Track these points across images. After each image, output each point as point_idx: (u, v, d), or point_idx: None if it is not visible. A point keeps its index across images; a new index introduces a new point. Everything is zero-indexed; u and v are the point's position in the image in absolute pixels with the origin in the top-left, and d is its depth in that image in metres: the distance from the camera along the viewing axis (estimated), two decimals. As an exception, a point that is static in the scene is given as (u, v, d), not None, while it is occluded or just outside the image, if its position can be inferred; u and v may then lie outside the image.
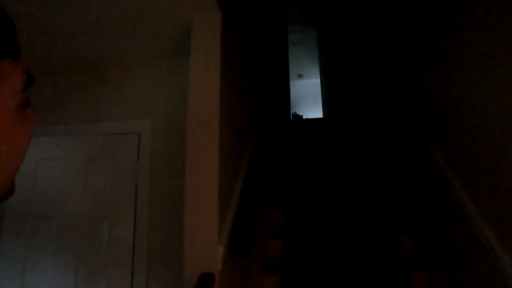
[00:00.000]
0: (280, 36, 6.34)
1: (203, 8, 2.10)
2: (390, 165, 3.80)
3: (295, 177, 3.82)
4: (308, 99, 10.93)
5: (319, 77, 9.28)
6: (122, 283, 2.34)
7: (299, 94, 10.89)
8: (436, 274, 2.48)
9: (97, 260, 2.39)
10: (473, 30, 2.02)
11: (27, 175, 2.52)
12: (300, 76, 10.70)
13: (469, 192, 2.09)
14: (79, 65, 2.80)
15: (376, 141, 4.32)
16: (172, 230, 2.41)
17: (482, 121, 1.93)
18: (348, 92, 6.23)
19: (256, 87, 3.67)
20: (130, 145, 2.59)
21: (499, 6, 1.74)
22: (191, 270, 1.75)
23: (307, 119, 5.41)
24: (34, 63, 2.70)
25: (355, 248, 2.85)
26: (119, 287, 2.34)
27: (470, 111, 2.07)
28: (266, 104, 4.38)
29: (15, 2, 1.96)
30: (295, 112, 10.46)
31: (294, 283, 2.64)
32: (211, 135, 1.91)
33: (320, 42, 7.65)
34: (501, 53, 1.73)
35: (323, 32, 7.35)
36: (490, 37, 1.83)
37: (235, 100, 2.47)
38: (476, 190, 2.03)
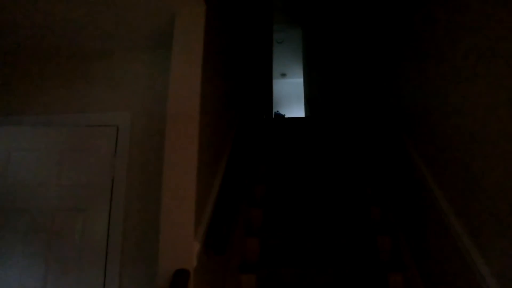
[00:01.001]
0: (264, 35, 6.33)
1: (187, 1, 2.07)
2: (370, 165, 3.84)
3: (276, 176, 3.82)
4: (291, 99, 10.96)
5: (302, 77, 9.33)
6: (94, 278, 2.30)
7: (282, 93, 10.91)
8: (412, 275, 2.52)
9: (69, 255, 2.35)
10: (445, 37, 2.05)
11: (-2, 166, 2.45)
12: (283, 75, 10.72)
13: (444, 191, 2.13)
14: (58, 54, 2.74)
15: (356, 141, 4.36)
16: (148, 226, 2.38)
17: (456, 123, 1.96)
18: (331, 92, 6.26)
19: (238, 85, 3.65)
20: (108, 137, 2.55)
21: (470, 14, 1.77)
22: (166, 266, 1.72)
23: (289, 118, 5.42)
24: (11, 51, 2.63)
25: (333, 248, 2.87)
26: (91, 283, 2.30)
27: (445, 113, 2.11)
28: (248, 102, 4.36)
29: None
30: (278, 111, 10.48)
31: (270, 281, 2.64)
32: (191, 130, 1.89)
33: (304, 41, 7.68)
34: (473, 62, 1.75)
35: (307, 31, 7.38)
36: (462, 44, 1.86)
37: (216, 96, 2.45)
38: (450, 190, 2.06)
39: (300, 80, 10.48)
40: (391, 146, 3.25)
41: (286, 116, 10.42)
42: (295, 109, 10.81)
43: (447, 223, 2.02)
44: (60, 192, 2.46)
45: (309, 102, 6.81)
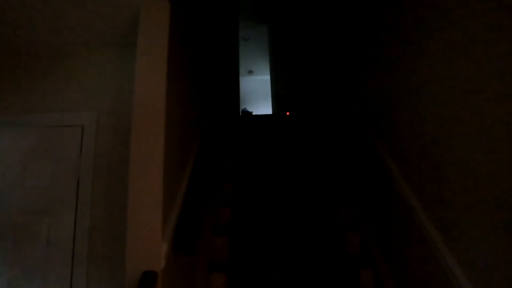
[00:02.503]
0: (231, 32, 6.32)
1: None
2: (337, 160, 3.90)
3: (244, 174, 3.83)
4: (258, 96, 10.99)
5: (269, 74, 9.36)
6: (61, 281, 2.25)
7: (249, 90, 10.92)
8: (382, 271, 2.58)
9: (34, 258, 2.29)
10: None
11: (-43, 168, 2.35)
12: (250, 72, 10.73)
13: (408, 182, 2.21)
14: (20, 54, 2.65)
15: (323, 137, 4.42)
16: (115, 227, 2.34)
17: (416, 113, 2.03)
18: (298, 89, 6.32)
19: (204, 83, 3.63)
20: (73, 138, 2.49)
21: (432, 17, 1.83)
22: (133, 268, 1.69)
23: (256, 115, 5.43)
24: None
25: (302, 245, 2.90)
26: (58, 286, 2.24)
27: (405, 106, 2.18)
28: (215, 100, 4.34)
29: None
30: (245, 108, 10.49)
31: (240, 280, 2.64)
32: (156, 130, 1.86)
33: (271, 38, 7.70)
34: (439, 59, 1.82)
35: (274, 28, 7.41)
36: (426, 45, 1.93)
37: (182, 95, 2.42)
38: (413, 181, 2.13)
39: (267, 77, 10.52)
40: (359, 142, 3.32)
41: (254, 113, 10.44)
42: (262, 106, 10.85)
43: (415, 217, 2.08)
44: (24, 194, 2.39)
45: (277, 99, 6.85)
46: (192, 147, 2.73)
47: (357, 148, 3.37)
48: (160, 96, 1.91)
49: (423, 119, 2.01)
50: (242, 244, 2.91)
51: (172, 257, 1.93)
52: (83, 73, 2.63)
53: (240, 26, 7.30)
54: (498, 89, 1.40)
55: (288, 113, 5.89)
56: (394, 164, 2.44)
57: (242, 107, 10.34)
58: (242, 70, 9.99)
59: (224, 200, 3.44)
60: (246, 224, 3.13)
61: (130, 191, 1.80)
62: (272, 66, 7.65)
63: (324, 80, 5.43)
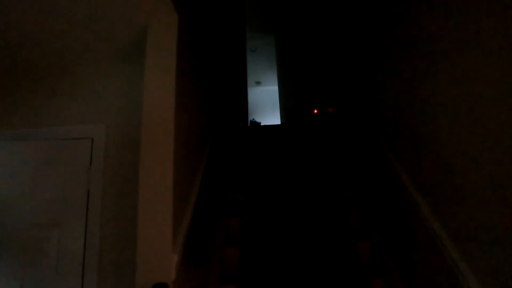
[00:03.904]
0: (238, 43, 6.35)
1: (159, 12, 2.06)
2: (349, 171, 3.87)
3: (254, 185, 3.82)
4: (266, 106, 11.01)
5: (277, 84, 9.38)
6: (71, 294, 2.24)
7: (257, 101, 10.96)
8: (394, 280, 2.54)
9: (45, 270, 2.30)
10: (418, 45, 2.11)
11: (-31, 181, 2.38)
12: (258, 83, 10.77)
13: (421, 193, 2.17)
14: (31, 68, 2.69)
15: (334, 147, 4.40)
16: (125, 239, 2.34)
17: (431, 125, 2.01)
18: (307, 99, 6.30)
19: (213, 94, 3.65)
20: (83, 150, 2.51)
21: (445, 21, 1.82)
22: (144, 280, 1.69)
23: (265, 126, 5.43)
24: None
25: (313, 255, 2.87)
26: (68, 300, 2.24)
27: (417, 116, 2.16)
28: (224, 111, 4.36)
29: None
30: (253, 119, 10.51)
31: (250, 291, 2.62)
32: (165, 141, 1.87)
33: (278, 49, 7.73)
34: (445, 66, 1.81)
35: (281, 39, 7.44)
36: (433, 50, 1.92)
37: (190, 106, 2.43)
38: (429, 192, 2.10)
39: (275, 88, 10.56)
40: (370, 152, 3.29)
41: (262, 123, 10.46)
42: (270, 117, 10.86)
43: (427, 226, 2.05)
44: (35, 206, 2.40)
45: (287, 112, 6.82)
46: (202, 159, 2.73)
47: (368, 158, 3.34)
48: (169, 107, 1.92)
49: (439, 132, 1.98)
50: (252, 255, 2.89)
51: (183, 269, 1.93)
52: (92, 87, 2.66)
53: (247, 37, 7.34)
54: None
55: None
56: (404, 172, 2.42)
57: (250, 117, 10.37)
58: (249, 81, 10.03)
59: (234, 211, 3.43)
60: (257, 235, 3.11)
61: (140, 202, 1.80)
62: (280, 76, 7.66)
63: (333, 90, 5.42)
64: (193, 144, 2.46)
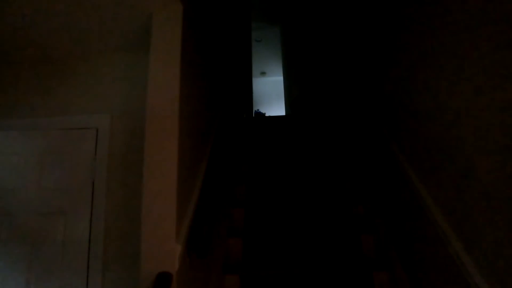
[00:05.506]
0: (243, 33, 6.32)
1: (164, 1, 2.05)
2: (353, 164, 3.86)
3: (257, 175, 3.82)
4: (271, 97, 10.99)
5: (282, 75, 9.34)
6: (76, 282, 2.27)
7: (262, 91, 10.93)
8: (397, 273, 2.54)
9: (51, 258, 2.32)
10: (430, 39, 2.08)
11: (-24, 170, 2.40)
12: (263, 73, 10.73)
13: (427, 188, 2.15)
14: (35, 58, 2.69)
15: (338, 138, 4.39)
16: (129, 228, 2.35)
17: (439, 118, 1.99)
18: (312, 90, 6.25)
19: (217, 84, 3.64)
20: (88, 140, 2.52)
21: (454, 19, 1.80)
22: (147, 270, 1.70)
23: (269, 116, 5.41)
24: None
25: (316, 246, 2.88)
26: (73, 287, 2.26)
27: (426, 109, 2.14)
28: (228, 101, 4.35)
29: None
30: (258, 109, 10.49)
31: (254, 282, 2.64)
32: (170, 131, 1.87)
33: (283, 39, 7.68)
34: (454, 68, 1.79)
35: (286, 29, 7.38)
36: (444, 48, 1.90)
37: (195, 96, 2.43)
38: (435, 188, 2.09)
39: (280, 78, 10.51)
40: (375, 145, 3.27)
41: (267, 114, 10.44)
42: (275, 107, 10.84)
43: (433, 221, 2.02)
44: (40, 195, 2.42)
45: (292, 104, 6.78)
46: (206, 149, 2.73)
47: (372, 151, 3.32)
48: (174, 97, 1.91)
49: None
50: (256, 245, 2.90)
51: (187, 259, 1.93)
52: (97, 77, 2.66)
53: (252, 27, 7.30)
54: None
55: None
56: (411, 168, 2.39)
57: (255, 108, 10.35)
58: (254, 71, 10.00)
59: (238, 201, 3.44)
60: (260, 226, 3.12)
61: (144, 192, 1.80)
62: (285, 67, 7.62)
63: (339, 82, 5.36)
64: (198, 134, 2.46)
